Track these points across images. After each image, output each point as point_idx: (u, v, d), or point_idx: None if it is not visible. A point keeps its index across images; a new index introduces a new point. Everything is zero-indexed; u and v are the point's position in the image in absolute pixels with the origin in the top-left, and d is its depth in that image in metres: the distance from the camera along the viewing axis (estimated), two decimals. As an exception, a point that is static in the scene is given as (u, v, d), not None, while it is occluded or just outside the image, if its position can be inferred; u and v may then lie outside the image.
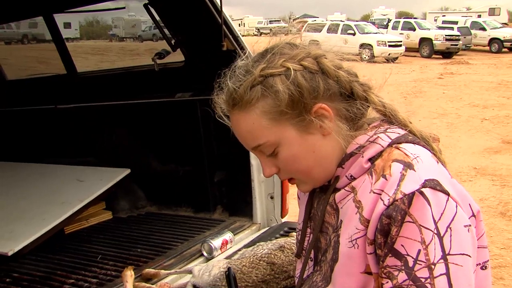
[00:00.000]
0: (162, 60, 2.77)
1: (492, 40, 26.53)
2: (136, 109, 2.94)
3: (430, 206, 0.92)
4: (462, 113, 10.13)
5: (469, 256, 0.94)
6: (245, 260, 1.75)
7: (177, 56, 2.81)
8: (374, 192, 0.97)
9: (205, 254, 2.19)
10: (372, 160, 1.02)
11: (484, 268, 1.05)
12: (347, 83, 1.05)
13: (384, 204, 0.94)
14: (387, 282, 0.94)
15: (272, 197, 2.56)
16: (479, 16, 35.45)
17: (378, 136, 1.04)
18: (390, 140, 1.02)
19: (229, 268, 1.35)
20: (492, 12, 38.30)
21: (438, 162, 1.03)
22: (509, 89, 12.88)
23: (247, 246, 2.07)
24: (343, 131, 1.05)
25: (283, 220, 2.54)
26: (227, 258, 2.01)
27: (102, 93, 3.08)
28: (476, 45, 27.05)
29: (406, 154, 0.99)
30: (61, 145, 3.24)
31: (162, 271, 1.97)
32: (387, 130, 1.05)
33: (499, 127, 8.80)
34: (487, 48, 26.70)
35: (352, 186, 1.04)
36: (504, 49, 25.89)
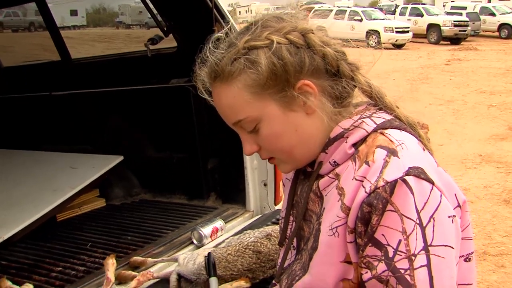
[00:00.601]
0: (156, 46, 2.73)
1: (502, 26, 26.18)
2: (130, 95, 2.92)
3: (413, 195, 0.88)
4: (468, 99, 10.03)
5: (452, 247, 0.91)
6: (231, 248, 1.72)
7: (172, 42, 2.77)
8: (356, 179, 0.93)
9: (195, 242, 2.17)
10: (356, 145, 0.99)
11: (468, 260, 1.02)
12: (334, 60, 1.01)
13: (366, 192, 0.90)
14: (366, 272, 0.91)
15: (265, 184, 2.53)
16: (489, 1, 34.94)
17: (363, 121, 0.99)
18: (375, 125, 0.98)
19: (209, 253, 1.33)
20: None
21: (424, 150, 0.99)
22: (517, 75, 12.74)
23: (237, 234, 2.04)
24: (327, 109, 1.01)
25: (277, 207, 2.51)
26: (216, 246, 1.99)
27: (97, 79, 3.05)
28: (485, 31, 26.74)
29: (391, 140, 0.95)
30: (56, 132, 3.22)
31: (149, 259, 1.95)
32: (373, 115, 1.01)
33: (506, 114, 8.70)
34: (497, 33, 26.38)
35: (336, 172, 1.01)
36: (513, 35, 25.60)
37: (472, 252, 1.03)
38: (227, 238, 1.93)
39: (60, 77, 3.21)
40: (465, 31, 23.78)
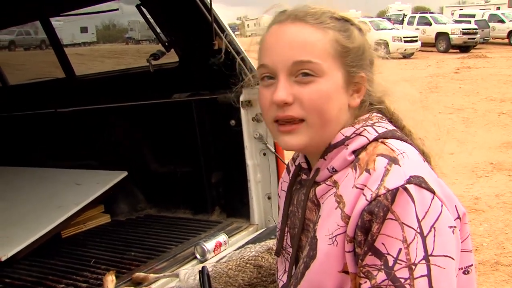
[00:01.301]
0: (158, 61, 2.75)
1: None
2: (133, 111, 2.93)
3: (414, 203, 0.88)
4: (478, 107, 9.96)
5: (453, 258, 0.90)
6: (232, 263, 1.70)
7: (174, 57, 2.79)
8: (356, 187, 0.93)
9: (198, 256, 2.16)
10: (356, 153, 0.99)
11: (466, 272, 1.00)
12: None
13: (366, 200, 0.90)
14: (366, 282, 0.90)
15: (269, 198, 2.52)
16: (498, 8, 34.89)
17: (365, 129, 1.01)
18: (377, 134, 0.99)
19: (203, 267, 1.32)
20: (511, 3, 37.63)
21: (424, 161, 0.99)
22: (528, 81, 12.63)
23: (239, 248, 2.03)
24: (356, 111, 1.05)
25: (281, 220, 2.49)
26: (219, 261, 1.97)
27: (100, 95, 3.07)
28: (495, 38, 26.61)
29: (392, 149, 0.95)
30: (61, 149, 3.24)
31: (151, 275, 1.94)
32: (375, 124, 1.02)
33: (517, 121, 8.63)
34: (506, 40, 26.24)
35: (334, 179, 1.00)
36: (524, 41, 25.46)
37: (472, 265, 1.01)
38: (229, 253, 1.91)
39: (65, 94, 3.23)
40: (474, 38, 23.69)
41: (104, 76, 3.25)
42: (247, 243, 2.16)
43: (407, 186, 0.88)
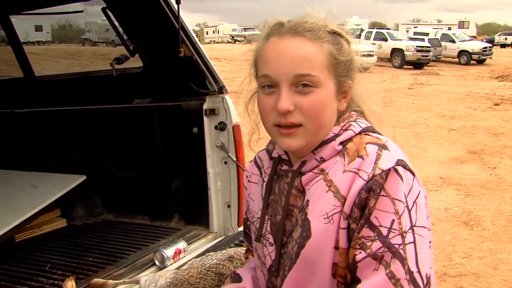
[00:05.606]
0: (121, 65, 2.72)
1: (461, 52, 27.08)
2: (94, 114, 2.89)
3: (402, 181, 1.02)
4: (430, 123, 10.27)
5: (428, 229, 1.06)
6: (193, 270, 1.71)
7: (138, 62, 2.77)
8: (350, 171, 1.06)
9: (157, 263, 2.15)
10: (343, 144, 1.12)
11: (429, 247, 1.12)
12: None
13: (364, 180, 1.03)
14: (360, 252, 1.02)
15: (229, 206, 2.54)
16: (449, 28, 36.22)
17: (351, 124, 1.15)
18: (361, 128, 1.13)
19: None
20: (461, 25, 39.24)
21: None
22: (476, 100, 13.14)
23: (200, 255, 2.04)
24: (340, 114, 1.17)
25: (240, 229, 2.51)
26: (179, 267, 1.97)
27: (61, 97, 3.01)
28: (446, 57, 27.56)
29: (378, 138, 1.10)
30: (18, 151, 3.15)
31: (110, 281, 1.92)
32: (357, 120, 1.16)
33: (465, 137, 8.94)
34: (457, 60, 27.24)
35: (321, 168, 1.12)
36: (472, 61, 26.46)
37: (431, 241, 1.12)
38: (190, 260, 1.92)
39: (23, 95, 3.15)
40: (427, 56, 24.45)
41: (65, 78, 3.19)
42: (207, 251, 2.18)
43: (397, 167, 1.03)
